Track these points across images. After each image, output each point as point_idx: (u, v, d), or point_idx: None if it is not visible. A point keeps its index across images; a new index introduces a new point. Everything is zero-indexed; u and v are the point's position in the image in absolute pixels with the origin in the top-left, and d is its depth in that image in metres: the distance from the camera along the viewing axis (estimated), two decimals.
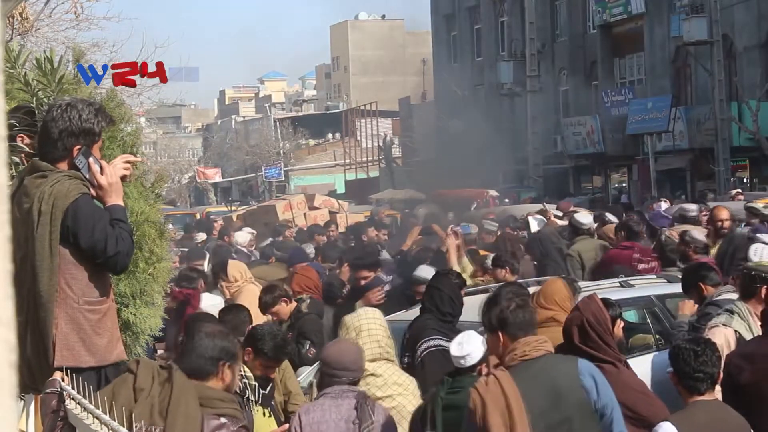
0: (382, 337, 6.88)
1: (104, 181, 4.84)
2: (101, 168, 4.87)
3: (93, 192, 4.87)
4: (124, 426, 3.77)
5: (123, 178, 5.06)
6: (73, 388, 4.43)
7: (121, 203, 4.93)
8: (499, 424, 5.24)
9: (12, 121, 5.02)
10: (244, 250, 16.91)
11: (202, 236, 20.23)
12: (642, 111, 40.89)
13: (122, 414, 4.08)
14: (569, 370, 5.35)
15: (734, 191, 23.19)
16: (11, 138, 5.09)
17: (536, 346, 5.45)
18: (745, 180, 38.68)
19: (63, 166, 4.89)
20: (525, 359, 5.44)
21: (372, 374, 6.74)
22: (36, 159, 4.94)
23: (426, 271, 10.16)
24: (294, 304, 9.45)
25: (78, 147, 4.87)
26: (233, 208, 37.16)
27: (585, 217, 14.17)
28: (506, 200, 34.11)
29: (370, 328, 6.85)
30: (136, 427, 4.17)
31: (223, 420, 4.52)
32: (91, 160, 4.85)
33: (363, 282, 11.03)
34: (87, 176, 4.87)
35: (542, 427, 5.30)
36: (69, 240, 4.76)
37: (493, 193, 36.13)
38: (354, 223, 22.76)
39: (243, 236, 18.26)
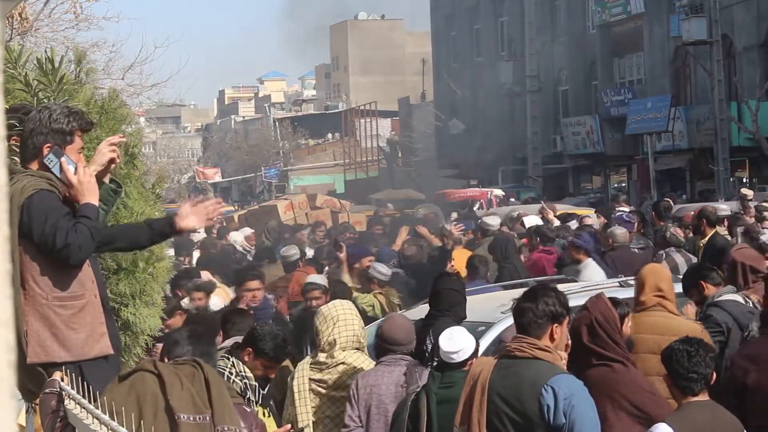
0: (358, 327, 7.14)
1: (74, 179, 4.86)
2: (76, 168, 4.89)
3: (65, 191, 4.90)
4: (123, 426, 3.77)
5: (112, 161, 5.09)
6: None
7: (95, 202, 4.92)
8: (464, 400, 5.58)
9: (12, 122, 5.03)
10: (240, 249, 16.98)
11: (200, 235, 20.23)
12: (641, 111, 40.89)
13: (155, 405, 4.19)
14: (536, 381, 5.37)
15: (750, 192, 22.76)
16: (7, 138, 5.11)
17: (524, 348, 5.48)
18: (744, 180, 38.68)
19: (34, 165, 4.96)
20: (510, 355, 5.48)
21: (343, 363, 7.02)
22: (12, 162, 4.98)
23: (320, 279, 10.13)
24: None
25: (48, 146, 4.91)
26: (237, 207, 37.27)
27: (493, 219, 14.38)
28: (511, 200, 34.13)
29: (346, 318, 7.06)
30: (182, 416, 4.25)
31: (247, 409, 4.91)
32: (63, 159, 4.88)
33: (251, 299, 9.63)
34: (59, 176, 4.90)
35: (500, 420, 5.44)
36: (29, 236, 4.80)
37: (498, 192, 36.15)
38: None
39: (238, 236, 18.33)
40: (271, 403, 7.03)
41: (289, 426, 6.01)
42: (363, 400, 6.65)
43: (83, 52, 6.38)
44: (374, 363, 7.14)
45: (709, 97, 38.23)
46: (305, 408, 6.99)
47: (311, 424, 7.01)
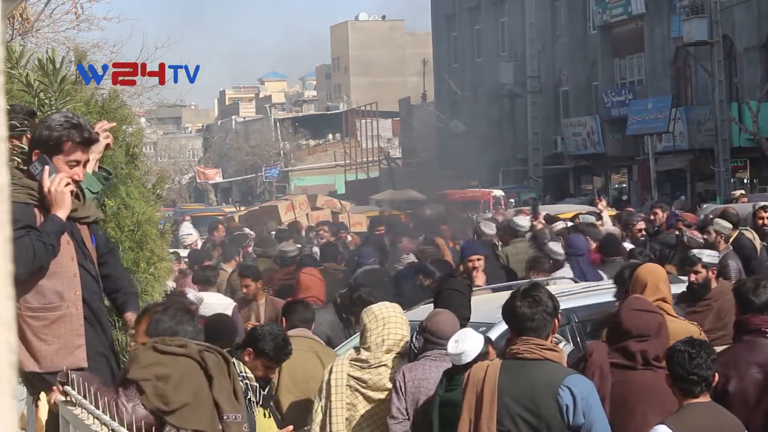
0: (405, 332, 7.10)
1: (46, 186, 4.80)
2: (56, 178, 4.81)
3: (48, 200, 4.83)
4: (124, 426, 3.78)
5: (107, 147, 5.05)
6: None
7: (61, 216, 4.83)
8: (470, 405, 5.51)
9: (13, 122, 5.03)
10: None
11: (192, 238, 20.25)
12: (642, 111, 40.91)
13: (205, 398, 4.39)
14: (552, 381, 5.35)
15: (738, 192, 22.95)
16: (18, 139, 5.11)
17: (533, 349, 5.45)
18: (745, 181, 38.69)
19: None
20: (517, 357, 5.46)
21: (385, 365, 6.96)
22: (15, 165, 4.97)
23: (194, 295, 10.08)
24: None
25: (36, 152, 4.86)
26: (241, 208, 37.44)
27: (523, 220, 14.27)
28: (511, 201, 34.13)
29: (396, 321, 7.06)
30: (228, 416, 4.48)
31: None
32: (47, 167, 4.82)
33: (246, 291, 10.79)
34: (40, 182, 4.85)
35: (514, 422, 5.40)
36: None
37: (498, 193, 36.15)
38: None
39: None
40: (271, 403, 7.02)
41: (291, 427, 6.00)
42: (411, 393, 6.64)
43: (84, 52, 6.39)
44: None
45: (709, 97, 38.23)
46: (341, 403, 6.97)
47: (344, 421, 6.99)
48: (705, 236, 12.29)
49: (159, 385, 4.40)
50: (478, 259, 11.25)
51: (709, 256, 9.31)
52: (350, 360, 7.05)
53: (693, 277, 9.00)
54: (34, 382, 4.82)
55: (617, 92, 44.27)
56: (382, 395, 6.93)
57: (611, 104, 43.80)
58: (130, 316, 5.12)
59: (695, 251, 9.60)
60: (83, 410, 4.07)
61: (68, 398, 4.33)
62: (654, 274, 7.53)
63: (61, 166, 4.85)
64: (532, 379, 5.39)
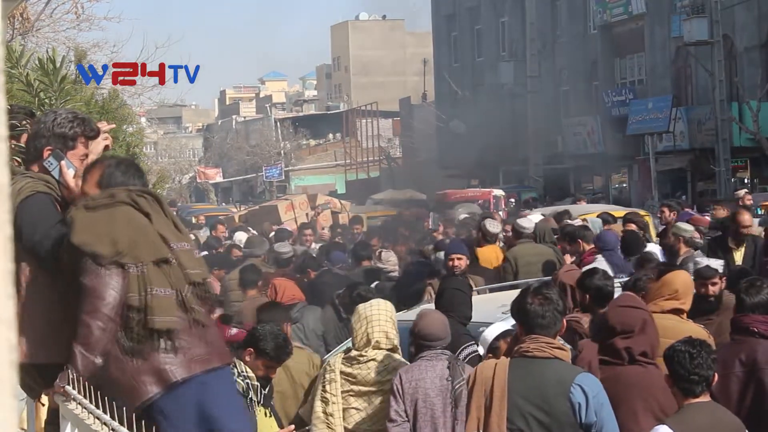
0: (390, 328, 7.12)
1: (72, 182, 4.81)
2: (75, 173, 4.83)
3: (65, 194, 4.82)
4: (124, 426, 3.77)
5: (105, 147, 5.07)
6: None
7: None
8: (479, 403, 5.51)
9: (13, 122, 5.03)
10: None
11: (203, 236, 20.23)
12: (642, 111, 40.92)
13: (151, 231, 4.45)
14: (563, 380, 5.35)
15: (743, 191, 22.42)
16: (16, 138, 5.11)
17: (544, 348, 5.43)
18: (745, 180, 38.70)
19: (35, 168, 4.90)
20: (526, 355, 5.44)
21: (373, 359, 7.02)
22: (15, 164, 4.96)
23: None
24: None
25: (48, 149, 4.86)
26: (241, 208, 37.50)
27: (527, 222, 14.23)
28: (511, 200, 34.14)
29: (380, 318, 7.07)
30: (174, 245, 4.52)
31: None
32: (63, 162, 4.83)
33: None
34: (58, 179, 4.84)
35: (525, 421, 5.39)
36: (17, 239, 4.72)
37: (498, 192, 36.16)
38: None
39: (242, 236, 18.41)
40: (272, 403, 7.04)
41: (292, 426, 6.02)
42: (408, 394, 6.66)
43: (84, 52, 6.39)
44: (406, 361, 7.14)
45: (710, 97, 38.25)
46: (337, 398, 7.01)
47: (341, 413, 7.03)
48: (665, 240, 12.18)
49: (106, 239, 4.43)
50: (459, 258, 11.32)
51: (716, 263, 9.01)
52: (343, 358, 7.12)
53: (711, 290, 8.50)
54: (33, 385, 4.81)
55: (617, 92, 44.29)
56: (370, 389, 6.99)
57: (611, 104, 43.82)
58: None
59: (706, 263, 9.22)
60: (83, 409, 4.07)
61: (68, 397, 4.33)
62: (685, 284, 7.49)
63: (75, 162, 4.89)
64: (543, 377, 5.39)
